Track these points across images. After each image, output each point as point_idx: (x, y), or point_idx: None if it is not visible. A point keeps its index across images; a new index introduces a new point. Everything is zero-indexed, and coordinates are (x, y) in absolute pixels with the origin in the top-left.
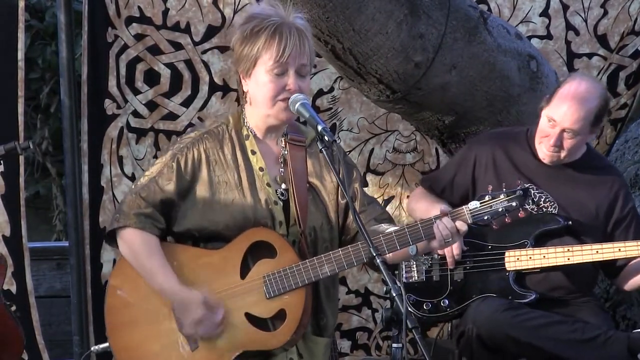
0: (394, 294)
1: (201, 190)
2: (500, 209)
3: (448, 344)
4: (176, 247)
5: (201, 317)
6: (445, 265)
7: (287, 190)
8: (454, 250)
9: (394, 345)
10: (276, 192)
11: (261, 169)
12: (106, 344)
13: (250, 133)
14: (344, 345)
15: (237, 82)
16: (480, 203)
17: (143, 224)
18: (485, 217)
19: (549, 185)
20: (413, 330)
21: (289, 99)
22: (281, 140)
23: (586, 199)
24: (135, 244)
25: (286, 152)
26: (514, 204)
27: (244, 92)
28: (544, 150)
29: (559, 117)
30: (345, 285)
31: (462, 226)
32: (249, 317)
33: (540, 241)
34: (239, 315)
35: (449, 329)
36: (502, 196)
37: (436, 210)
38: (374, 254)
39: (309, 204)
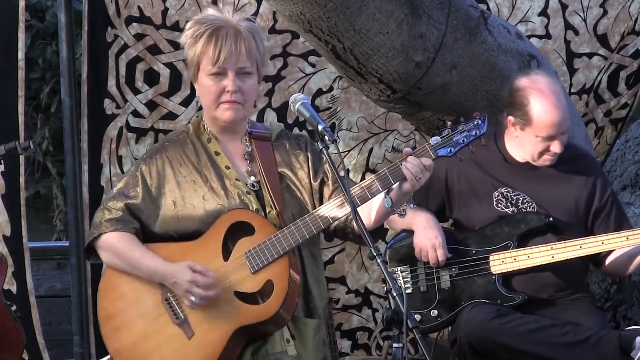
0: (395, 294)
1: (170, 194)
2: (462, 140)
3: (449, 344)
4: (158, 246)
5: (191, 280)
6: (431, 275)
7: (258, 182)
8: (439, 257)
9: (395, 345)
10: (246, 185)
11: (227, 167)
12: (108, 357)
13: (211, 137)
14: (345, 345)
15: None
16: (442, 138)
17: (115, 227)
18: (449, 150)
19: (525, 185)
20: (414, 330)
21: (231, 102)
22: (245, 139)
23: (564, 194)
24: (113, 244)
25: (251, 149)
26: (474, 132)
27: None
28: (545, 158)
29: (557, 129)
30: (345, 285)
31: (427, 162)
32: (238, 295)
33: (523, 241)
34: (228, 295)
35: (450, 329)
36: (462, 127)
37: (419, 217)
38: (375, 254)
39: (283, 191)
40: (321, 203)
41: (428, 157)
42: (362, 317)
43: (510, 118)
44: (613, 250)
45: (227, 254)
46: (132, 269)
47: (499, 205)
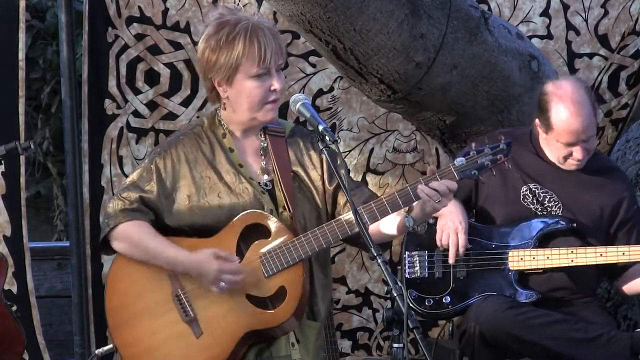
0: (395, 294)
1: (185, 188)
2: (486, 163)
3: (449, 344)
4: (173, 240)
5: (218, 269)
6: (448, 262)
7: (271, 180)
8: (460, 241)
9: (395, 345)
10: (259, 184)
11: (240, 165)
12: (109, 346)
13: (226, 132)
14: (345, 345)
15: (208, 89)
16: (466, 159)
17: (132, 216)
18: (472, 172)
19: (555, 185)
20: (414, 330)
21: (275, 101)
22: (260, 134)
23: (591, 200)
24: (132, 233)
25: (266, 145)
26: (498, 156)
27: (219, 98)
28: (570, 163)
29: (576, 136)
30: (345, 285)
31: (450, 184)
32: (250, 297)
33: (543, 242)
34: (240, 297)
35: (450, 329)
36: (486, 150)
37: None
38: (375, 254)
39: (295, 191)
40: (334, 207)
41: (451, 178)
42: (362, 317)
43: (537, 121)
44: (631, 265)
45: (239, 254)
46: (151, 258)
47: (525, 200)
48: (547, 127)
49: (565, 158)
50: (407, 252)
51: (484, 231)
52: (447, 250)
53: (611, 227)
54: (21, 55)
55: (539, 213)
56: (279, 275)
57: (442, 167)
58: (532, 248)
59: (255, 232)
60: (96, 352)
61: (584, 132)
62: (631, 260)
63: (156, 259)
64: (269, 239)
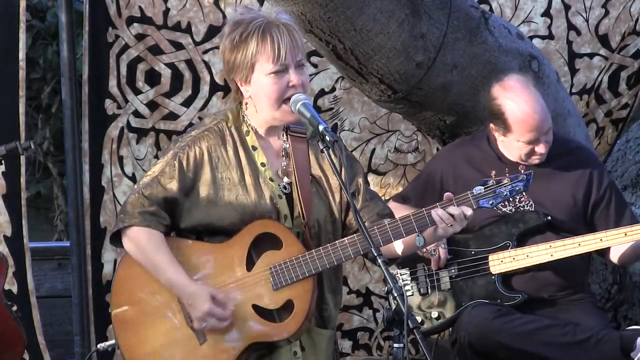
0: (395, 294)
1: (204, 187)
2: (504, 193)
3: (449, 344)
4: (180, 242)
5: (208, 311)
6: (431, 276)
7: (290, 183)
8: (440, 255)
9: (395, 345)
10: (279, 186)
11: (263, 165)
12: (111, 342)
13: (250, 129)
14: (345, 345)
15: (234, 90)
16: (485, 188)
17: (148, 222)
18: (490, 202)
19: None
20: (414, 330)
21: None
22: (282, 134)
23: (561, 190)
24: (141, 241)
25: (288, 146)
26: (517, 187)
27: (242, 97)
28: (533, 158)
29: (537, 133)
30: (346, 285)
31: (467, 210)
32: (256, 309)
33: (522, 240)
34: (246, 308)
35: (450, 330)
36: (505, 181)
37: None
38: (375, 254)
39: (312, 196)
40: (346, 215)
41: (469, 205)
42: (362, 317)
43: (492, 125)
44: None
45: (249, 262)
46: (154, 271)
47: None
48: (505, 130)
49: (528, 155)
50: None
51: (462, 239)
52: (428, 264)
53: (587, 210)
54: (21, 55)
55: (511, 213)
56: (287, 288)
57: (460, 195)
58: (511, 249)
59: (268, 240)
60: (98, 346)
61: (543, 126)
62: (610, 245)
63: (157, 274)
64: (280, 250)
